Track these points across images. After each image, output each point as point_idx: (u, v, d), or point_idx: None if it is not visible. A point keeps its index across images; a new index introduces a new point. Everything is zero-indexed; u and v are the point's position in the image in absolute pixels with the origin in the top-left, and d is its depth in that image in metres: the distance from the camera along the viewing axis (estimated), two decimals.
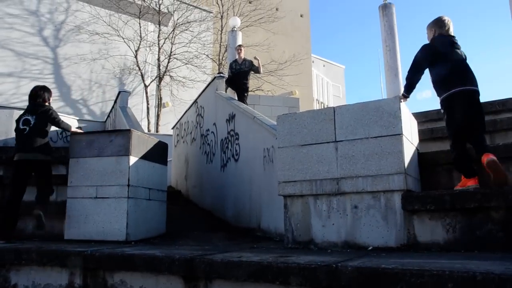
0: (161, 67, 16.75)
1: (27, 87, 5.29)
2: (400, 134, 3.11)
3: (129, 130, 4.72)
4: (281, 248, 3.49)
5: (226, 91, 7.91)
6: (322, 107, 23.81)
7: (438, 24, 3.75)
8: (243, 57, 8.50)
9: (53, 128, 5.00)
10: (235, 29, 10.78)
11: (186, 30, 17.13)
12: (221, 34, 18.56)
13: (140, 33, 16.41)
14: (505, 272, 1.77)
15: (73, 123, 8.55)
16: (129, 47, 16.26)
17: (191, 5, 18.01)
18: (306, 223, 3.38)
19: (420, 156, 3.69)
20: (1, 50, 14.51)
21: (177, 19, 17.15)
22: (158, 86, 16.65)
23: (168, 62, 16.79)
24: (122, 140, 4.59)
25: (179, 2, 17.56)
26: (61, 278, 3.33)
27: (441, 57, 3.56)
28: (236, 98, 7.75)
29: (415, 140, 3.75)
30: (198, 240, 4.62)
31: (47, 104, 4.89)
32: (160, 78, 16.68)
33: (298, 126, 3.52)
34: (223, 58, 17.80)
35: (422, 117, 5.34)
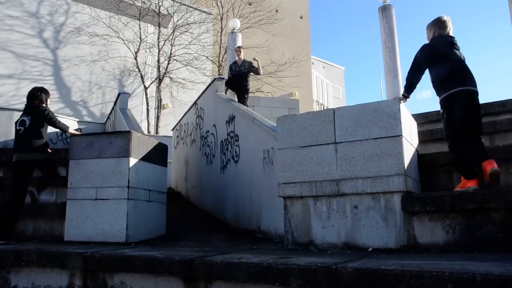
0: (161, 69, 16.77)
1: (27, 88, 5.30)
2: (399, 136, 3.11)
3: (129, 132, 4.72)
4: (281, 249, 3.49)
5: (226, 93, 7.91)
6: (322, 109, 23.79)
7: (438, 24, 3.77)
8: (242, 59, 8.49)
9: (53, 129, 5.00)
10: (235, 30, 10.78)
11: (186, 31, 17.16)
12: (220, 35, 18.58)
13: (140, 34, 16.44)
14: (505, 273, 1.77)
15: (73, 125, 8.59)
16: (129, 48, 16.29)
17: (191, 7, 18.04)
18: (306, 225, 3.39)
19: (419, 157, 3.69)
20: (1, 52, 14.53)
21: (177, 21, 17.18)
22: (158, 87, 16.67)
23: (168, 63, 16.82)
24: (122, 142, 4.59)
25: (179, 4, 17.59)
26: (61, 279, 3.33)
27: (441, 57, 3.58)
28: (236, 100, 7.74)
29: (415, 141, 3.76)
30: (198, 242, 4.62)
31: (44, 105, 4.91)
32: (160, 79, 16.70)
33: (298, 127, 3.52)
34: (223, 60, 17.80)
35: (421, 119, 5.35)
